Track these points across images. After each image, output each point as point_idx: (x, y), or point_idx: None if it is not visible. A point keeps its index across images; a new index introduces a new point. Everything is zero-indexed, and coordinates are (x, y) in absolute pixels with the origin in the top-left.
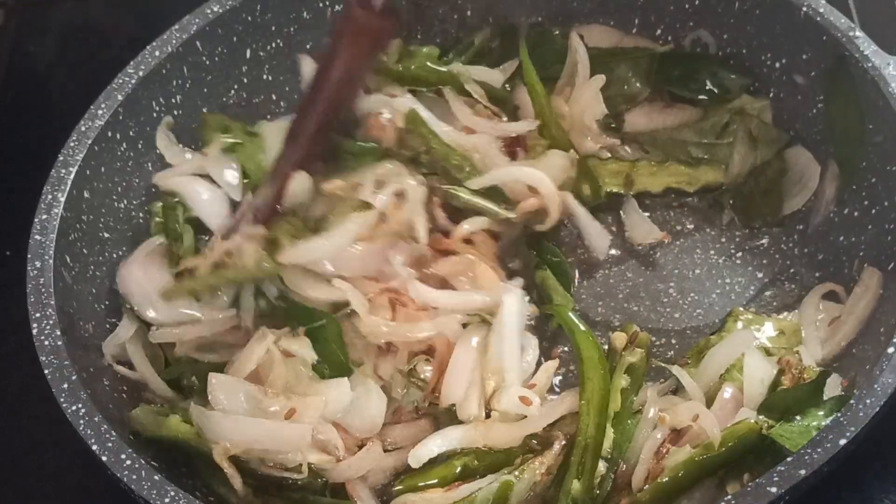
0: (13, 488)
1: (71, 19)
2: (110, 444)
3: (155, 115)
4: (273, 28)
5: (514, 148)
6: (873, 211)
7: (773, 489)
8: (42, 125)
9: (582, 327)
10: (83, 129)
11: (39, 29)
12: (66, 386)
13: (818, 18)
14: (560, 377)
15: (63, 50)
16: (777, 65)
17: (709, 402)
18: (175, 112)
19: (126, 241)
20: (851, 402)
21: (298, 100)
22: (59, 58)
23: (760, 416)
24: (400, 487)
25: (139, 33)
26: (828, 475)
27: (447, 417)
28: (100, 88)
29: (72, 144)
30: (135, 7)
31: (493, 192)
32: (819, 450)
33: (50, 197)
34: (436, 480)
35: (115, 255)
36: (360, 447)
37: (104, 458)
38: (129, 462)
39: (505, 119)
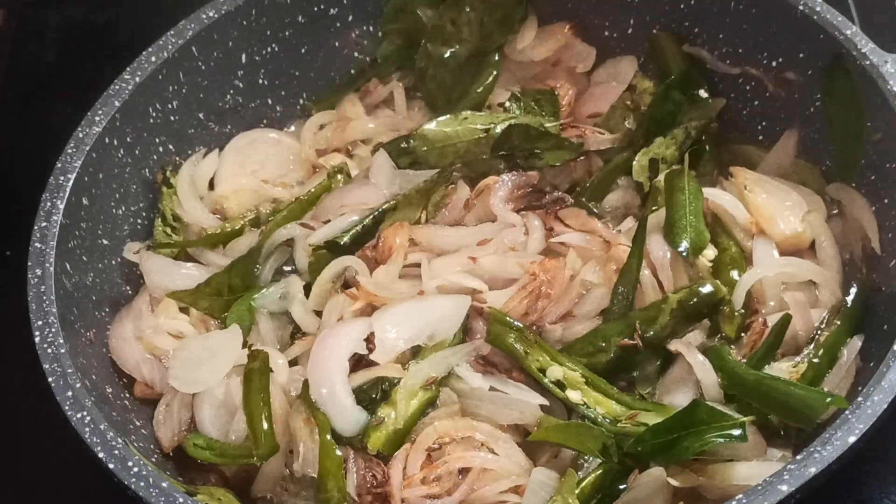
0: (13, 488)
1: (71, 19)
2: (117, 452)
3: (152, 120)
4: (268, 33)
5: None
6: (873, 209)
7: (784, 487)
8: (42, 123)
9: None
10: (80, 135)
11: (39, 29)
12: (70, 394)
13: (815, 17)
14: None
15: (63, 50)
16: (774, 63)
17: None
18: (172, 117)
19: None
20: (859, 399)
21: None
22: (59, 58)
23: None
24: None
25: (139, 33)
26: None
27: None
28: (100, 88)
29: (69, 151)
30: (135, 7)
31: None
32: (828, 447)
33: (49, 204)
34: None
35: (114, 262)
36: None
37: (111, 466)
38: (136, 469)
39: None
